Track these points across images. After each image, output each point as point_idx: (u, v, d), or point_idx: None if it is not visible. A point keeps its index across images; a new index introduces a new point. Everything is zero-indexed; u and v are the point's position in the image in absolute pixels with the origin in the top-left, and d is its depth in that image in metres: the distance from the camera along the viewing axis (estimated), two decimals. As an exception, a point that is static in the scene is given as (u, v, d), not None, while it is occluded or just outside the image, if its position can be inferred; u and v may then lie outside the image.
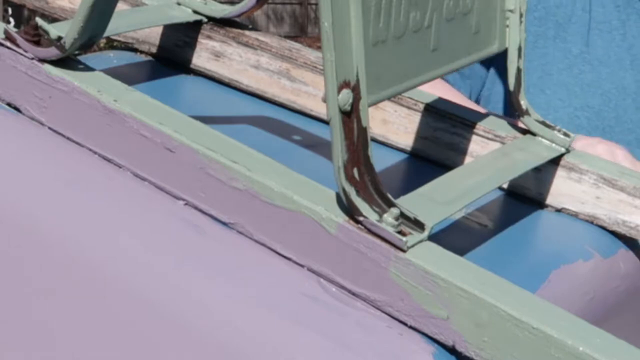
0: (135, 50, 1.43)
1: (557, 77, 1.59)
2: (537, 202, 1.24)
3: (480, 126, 1.26)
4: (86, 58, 1.22)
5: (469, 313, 0.92)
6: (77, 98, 1.09)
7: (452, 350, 0.94)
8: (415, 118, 1.29)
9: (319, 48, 1.03)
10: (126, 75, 1.24)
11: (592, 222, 1.22)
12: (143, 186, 1.06)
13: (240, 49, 1.36)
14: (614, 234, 1.22)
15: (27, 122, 1.12)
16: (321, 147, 1.24)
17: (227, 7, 1.38)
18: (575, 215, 1.23)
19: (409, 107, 1.29)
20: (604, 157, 1.28)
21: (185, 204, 1.04)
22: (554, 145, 1.22)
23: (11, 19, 10.06)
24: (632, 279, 1.22)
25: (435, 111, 1.28)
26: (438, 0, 1.08)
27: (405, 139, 1.30)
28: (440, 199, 1.03)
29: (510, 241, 1.16)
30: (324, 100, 0.92)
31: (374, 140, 1.15)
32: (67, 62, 1.11)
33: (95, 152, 1.09)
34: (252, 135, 1.25)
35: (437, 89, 1.33)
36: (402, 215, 0.96)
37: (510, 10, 1.20)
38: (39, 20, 1.11)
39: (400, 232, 0.95)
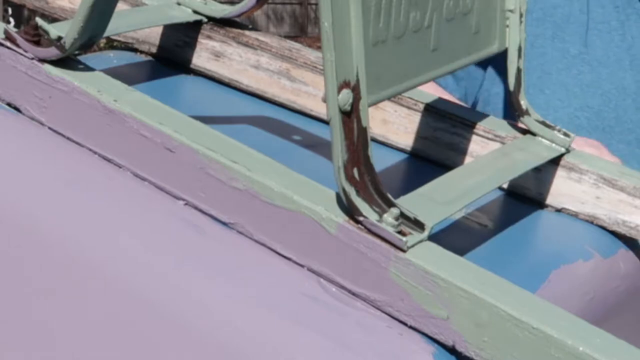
0: (135, 50, 1.43)
1: (556, 77, 1.59)
2: (537, 202, 1.24)
3: (480, 126, 1.26)
4: (86, 58, 1.22)
5: (469, 313, 0.92)
6: (77, 98, 1.09)
7: (452, 350, 0.94)
8: (415, 118, 1.29)
9: (319, 48, 1.03)
10: (126, 75, 1.24)
11: (592, 222, 1.22)
12: (143, 186, 1.06)
13: (240, 49, 1.36)
14: (614, 234, 1.22)
15: (27, 122, 1.12)
16: (321, 147, 1.24)
17: (227, 7, 1.38)
18: (575, 215, 1.23)
19: (409, 107, 1.29)
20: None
21: (185, 204, 1.04)
22: (554, 145, 1.22)
23: (11, 19, 10.06)
24: (632, 279, 1.22)
25: (435, 111, 1.28)
26: (438, 0, 1.08)
27: (405, 139, 1.30)
28: (440, 199, 1.03)
29: (510, 241, 1.16)
30: (324, 100, 0.92)
31: (374, 140, 1.15)
32: (67, 62, 1.11)
33: (95, 152, 1.09)
34: (252, 135, 1.25)
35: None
36: (402, 215, 0.96)
37: (510, 10, 1.20)
38: (39, 20, 1.11)
39: (400, 232, 0.95)
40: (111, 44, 4.79)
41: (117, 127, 1.06)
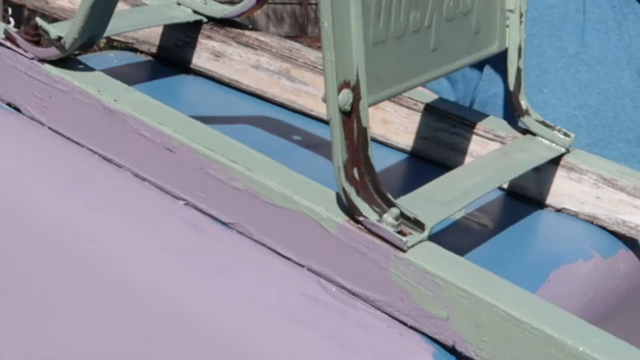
0: (135, 50, 1.43)
1: (554, 76, 1.59)
2: (537, 202, 1.24)
3: (480, 126, 1.26)
4: (86, 58, 1.22)
5: (469, 313, 0.92)
6: (77, 98, 1.09)
7: (452, 350, 0.94)
8: (415, 118, 1.29)
9: (319, 48, 1.03)
10: (126, 75, 1.24)
11: (592, 222, 1.22)
12: (143, 186, 1.06)
13: (240, 49, 1.37)
14: (614, 234, 1.22)
15: (27, 122, 1.12)
16: (321, 147, 1.24)
17: (227, 7, 1.38)
18: (575, 215, 1.23)
19: (409, 107, 1.29)
20: None
21: (185, 204, 1.04)
22: (554, 145, 1.22)
23: (11, 19, 10.06)
24: (632, 279, 1.22)
25: (435, 111, 1.28)
26: (438, 0, 1.08)
27: (405, 139, 1.30)
28: (440, 199, 1.03)
29: (510, 241, 1.16)
30: (324, 100, 0.92)
31: (374, 140, 1.15)
32: (67, 62, 1.12)
33: (95, 152, 1.09)
34: (252, 135, 1.25)
35: None
36: (402, 215, 0.96)
37: (510, 10, 1.20)
38: (39, 20, 1.11)
39: (400, 232, 0.95)
40: (111, 44, 4.79)
41: (117, 127, 1.06)
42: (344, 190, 0.94)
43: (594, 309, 1.13)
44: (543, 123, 1.23)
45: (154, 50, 1.42)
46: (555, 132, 1.22)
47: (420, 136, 1.29)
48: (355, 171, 0.94)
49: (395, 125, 1.30)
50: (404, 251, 0.94)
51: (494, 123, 1.27)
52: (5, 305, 1.07)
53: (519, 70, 1.21)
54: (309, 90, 1.33)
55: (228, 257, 1.01)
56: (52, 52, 1.10)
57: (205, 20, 1.38)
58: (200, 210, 1.03)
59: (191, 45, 1.39)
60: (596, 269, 1.18)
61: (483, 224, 1.18)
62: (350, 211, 0.95)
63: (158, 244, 1.02)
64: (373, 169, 0.96)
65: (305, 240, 0.98)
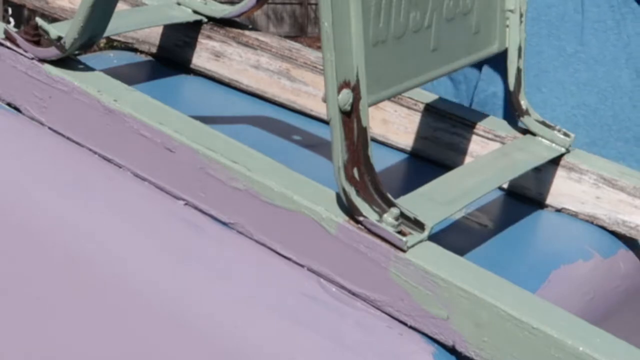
0: (135, 50, 1.43)
1: (553, 75, 1.59)
2: (537, 202, 1.24)
3: (480, 126, 1.26)
4: (86, 58, 1.22)
5: (469, 313, 0.92)
6: (77, 98, 1.09)
7: (452, 350, 0.94)
8: (415, 118, 1.29)
9: (319, 48, 1.03)
10: (126, 75, 1.24)
11: (592, 222, 1.22)
12: (143, 186, 1.06)
13: (240, 49, 1.36)
14: (614, 234, 1.22)
15: (27, 122, 1.12)
16: (321, 147, 1.24)
17: (227, 7, 1.38)
18: (575, 215, 1.23)
19: (409, 107, 1.29)
20: None
21: (185, 204, 1.04)
22: (554, 145, 1.22)
23: (11, 19, 10.06)
24: (632, 279, 1.22)
25: (435, 111, 1.28)
26: (438, 0, 1.08)
27: (405, 139, 1.30)
28: (440, 199, 1.03)
29: (510, 241, 1.16)
30: (324, 100, 0.92)
31: (374, 140, 1.15)
32: (67, 62, 1.11)
33: (95, 152, 1.09)
34: (252, 135, 1.25)
35: None
36: (402, 215, 0.96)
37: (510, 10, 1.20)
38: (39, 20, 1.11)
39: (400, 232, 0.95)
40: (111, 44, 4.79)
41: (117, 127, 1.06)
42: (344, 190, 0.94)
43: (594, 309, 1.13)
44: (543, 123, 1.23)
45: (154, 50, 1.42)
46: (555, 132, 1.22)
47: (420, 136, 1.29)
48: (355, 171, 0.94)
49: (395, 125, 1.30)
50: (404, 251, 0.94)
51: (494, 123, 1.27)
52: (5, 305, 1.07)
53: (519, 70, 1.21)
54: (309, 90, 1.33)
55: (228, 257, 1.01)
56: (52, 52, 1.10)
57: (205, 20, 1.38)
58: (200, 210, 1.03)
59: (191, 45, 1.39)
60: (596, 269, 1.18)
61: (483, 224, 1.18)
62: (350, 211, 0.95)
63: (158, 244, 1.02)
64: (373, 169, 0.96)
65: (305, 240, 0.98)
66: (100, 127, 1.07)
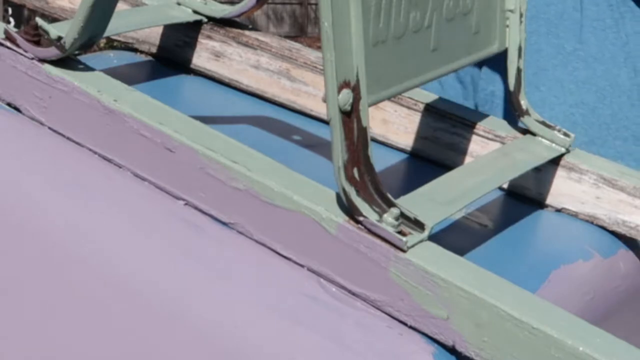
0: (135, 50, 1.43)
1: (552, 73, 1.59)
2: (537, 202, 1.24)
3: (480, 126, 1.26)
4: (86, 58, 1.22)
5: (469, 313, 0.92)
6: (77, 98, 1.09)
7: (452, 350, 0.94)
8: (415, 118, 1.29)
9: (319, 48, 1.03)
10: (126, 75, 1.24)
11: (592, 222, 1.22)
12: (143, 186, 1.06)
13: (240, 49, 1.37)
14: (614, 234, 1.22)
15: (27, 122, 1.12)
16: (321, 147, 1.24)
17: (227, 7, 1.38)
18: (575, 215, 1.23)
19: (409, 107, 1.29)
20: None
21: (185, 204, 1.04)
22: (554, 145, 1.22)
23: (11, 19, 10.05)
24: (632, 279, 1.22)
25: (435, 111, 1.28)
26: (438, 0, 1.08)
27: (405, 139, 1.30)
28: (440, 199, 1.03)
29: (510, 241, 1.16)
30: (324, 100, 0.92)
31: (374, 140, 1.15)
32: (67, 62, 1.11)
33: (95, 152, 1.09)
34: (252, 135, 1.25)
35: None
36: (402, 215, 0.96)
37: (510, 10, 1.20)
38: (39, 20, 1.11)
39: (400, 232, 0.95)
40: (111, 44, 4.79)
41: (117, 127, 1.06)
42: (344, 190, 0.94)
43: (594, 309, 1.13)
44: (543, 123, 1.23)
45: (154, 50, 1.42)
46: (555, 132, 1.23)
47: (420, 136, 1.29)
48: (355, 171, 0.94)
49: (395, 125, 1.30)
50: (404, 251, 0.94)
51: (494, 123, 1.27)
52: (5, 305, 1.07)
53: (519, 70, 1.21)
54: (309, 90, 1.33)
55: (228, 257, 1.01)
56: (52, 52, 1.10)
57: (205, 20, 1.38)
58: (200, 210, 1.03)
59: (191, 45, 1.39)
60: (596, 269, 1.18)
61: (483, 224, 1.18)
62: (350, 211, 0.95)
63: (158, 244, 1.02)
64: (373, 169, 0.96)
65: (305, 240, 0.98)
66: (100, 127, 1.07)
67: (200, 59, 1.39)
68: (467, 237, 1.14)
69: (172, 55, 1.41)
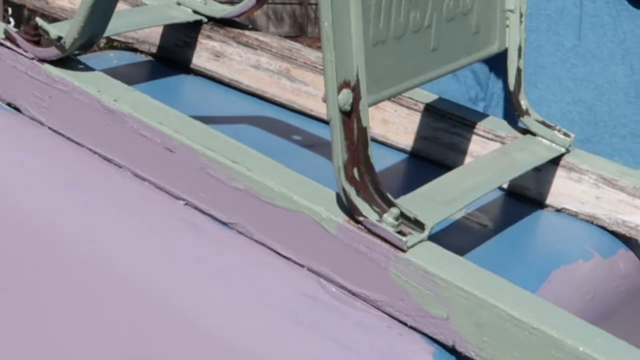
0: (135, 50, 1.43)
1: (550, 71, 1.60)
2: (537, 202, 1.24)
3: (480, 126, 1.26)
4: (86, 58, 1.22)
5: (469, 313, 0.92)
6: (77, 98, 1.09)
7: (452, 350, 0.94)
8: (415, 118, 1.29)
9: (319, 48, 1.03)
10: (126, 75, 1.24)
11: (592, 222, 1.22)
12: (143, 186, 1.06)
13: (240, 49, 1.36)
14: (614, 234, 1.22)
15: (27, 122, 1.12)
16: (321, 147, 1.24)
17: (227, 7, 1.38)
18: (575, 215, 1.23)
19: (409, 107, 1.29)
20: None
21: (185, 204, 1.04)
22: (554, 145, 1.22)
23: (11, 19, 10.06)
24: (632, 279, 1.22)
25: (435, 111, 1.28)
26: (438, 0, 1.08)
27: (405, 139, 1.30)
28: (440, 199, 1.03)
29: (510, 241, 1.16)
30: (324, 100, 0.92)
31: (374, 140, 1.15)
32: (67, 62, 1.11)
33: (95, 152, 1.09)
34: (252, 135, 1.25)
35: None
36: (402, 215, 0.96)
37: (510, 10, 1.20)
38: (39, 20, 1.11)
39: (400, 232, 0.95)
40: (111, 44, 4.79)
41: (117, 127, 1.06)
42: (344, 190, 0.94)
43: (594, 309, 1.13)
44: (543, 123, 1.23)
45: (154, 50, 1.42)
46: (555, 132, 1.23)
47: (420, 136, 1.29)
48: (355, 171, 0.94)
49: (395, 125, 1.30)
50: (404, 251, 0.94)
51: (494, 123, 1.27)
52: (5, 305, 1.07)
53: (519, 70, 1.21)
54: (309, 90, 1.33)
55: (228, 257, 1.01)
56: (52, 52, 1.10)
57: (205, 20, 1.38)
58: (200, 210, 1.03)
59: (191, 45, 1.39)
60: (596, 269, 1.18)
61: (483, 224, 1.18)
62: (350, 211, 0.95)
63: (158, 244, 1.02)
64: (373, 169, 0.96)
65: (305, 240, 0.98)
66: (100, 127, 1.07)
67: (200, 59, 1.39)
68: (467, 237, 1.14)
69: (172, 55, 1.41)
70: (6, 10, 10.38)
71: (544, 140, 1.22)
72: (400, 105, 1.29)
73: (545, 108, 1.57)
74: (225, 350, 0.95)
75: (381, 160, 1.15)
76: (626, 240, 1.23)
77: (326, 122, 0.93)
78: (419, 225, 0.96)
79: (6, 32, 1.12)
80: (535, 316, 0.90)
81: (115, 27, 1.22)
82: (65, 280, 1.03)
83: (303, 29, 13.74)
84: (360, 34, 0.93)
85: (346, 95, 0.92)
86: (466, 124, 1.26)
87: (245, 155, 1.02)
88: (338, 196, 0.97)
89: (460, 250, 1.00)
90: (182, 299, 0.98)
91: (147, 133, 1.05)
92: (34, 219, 1.05)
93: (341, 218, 0.96)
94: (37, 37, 1.10)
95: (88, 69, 1.12)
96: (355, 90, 0.93)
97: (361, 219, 0.95)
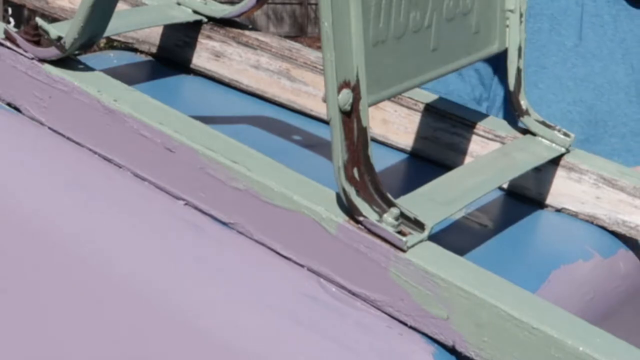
0: (135, 50, 1.43)
1: (551, 71, 1.60)
2: (537, 202, 1.24)
3: (480, 126, 1.26)
4: (86, 58, 1.22)
5: (469, 313, 0.92)
6: (77, 98, 1.09)
7: (452, 350, 0.94)
8: (415, 118, 1.29)
9: (319, 48, 1.03)
10: (126, 75, 1.24)
11: (592, 222, 1.22)
12: (143, 186, 1.06)
13: (240, 49, 1.36)
14: (614, 234, 1.22)
15: (27, 122, 1.12)
16: (321, 147, 1.24)
17: (227, 7, 1.38)
18: (575, 215, 1.23)
19: (409, 107, 1.29)
20: None
21: (185, 204, 1.04)
22: (554, 145, 1.22)
23: (11, 19, 10.06)
24: (632, 279, 1.22)
25: (435, 111, 1.28)
26: (438, 0, 1.08)
27: (405, 139, 1.30)
28: (440, 199, 1.03)
29: (510, 241, 1.16)
30: (324, 100, 0.92)
31: (374, 140, 1.15)
32: (67, 62, 1.11)
33: (95, 152, 1.09)
34: (252, 135, 1.25)
35: None
36: (402, 215, 0.96)
37: (510, 10, 1.20)
38: (39, 20, 1.11)
39: (400, 232, 0.95)
40: (111, 44, 4.79)
41: (117, 127, 1.06)
42: (344, 190, 0.94)
43: (594, 309, 1.13)
44: (543, 123, 1.23)
45: (154, 50, 1.42)
46: (555, 132, 1.23)
47: (420, 136, 1.29)
48: (355, 171, 0.94)
49: (395, 125, 1.30)
50: (404, 251, 0.94)
51: (494, 123, 1.27)
52: (5, 305, 1.07)
53: (519, 71, 1.21)
54: (309, 90, 1.33)
55: (228, 257, 1.01)
56: (52, 52, 1.10)
57: (205, 20, 1.38)
58: (200, 210, 1.03)
59: (191, 45, 1.39)
60: (596, 269, 1.18)
61: (483, 224, 1.18)
62: (350, 211, 0.95)
63: (158, 244, 1.02)
64: (373, 169, 0.96)
65: (305, 240, 0.98)
66: (100, 127, 1.07)
67: (200, 59, 1.39)
68: (467, 237, 1.14)
69: (172, 55, 1.41)
70: (6, 10, 10.38)
71: (544, 140, 1.22)
72: (400, 105, 1.29)
73: (545, 108, 1.57)
74: (225, 350, 0.95)
75: (381, 160, 1.15)
76: (626, 240, 1.23)
77: (326, 122, 0.93)
78: (419, 225, 0.96)
79: (6, 32, 1.12)
80: (535, 316, 0.90)
81: (115, 27, 1.22)
82: (65, 280, 1.03)
83: (303, 29, 13.74)
84: (360, 34, 0.93)
85: (346, 95, 0.92)
86: (466, 124, 1.26)
87: (245, 155, 1.02)
88: (338, 196, 0.97)
89: (460, 250, 1.00)
90: (182, 299, 0.98)
91: (147, 133, 1.05)
92: (34, 219, 1.05)
93: (341, 218, 0.96)
94: (37, 37, 1.10)
95: (88, 69, 1.12)
96: (355, 90, 0.93)
97: (361, 219, 0.95)
